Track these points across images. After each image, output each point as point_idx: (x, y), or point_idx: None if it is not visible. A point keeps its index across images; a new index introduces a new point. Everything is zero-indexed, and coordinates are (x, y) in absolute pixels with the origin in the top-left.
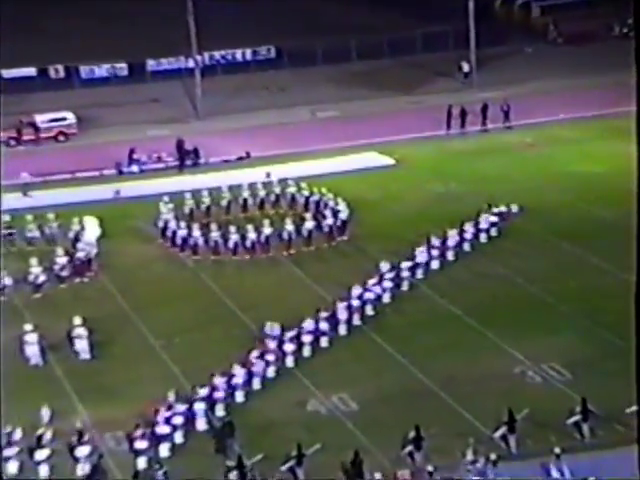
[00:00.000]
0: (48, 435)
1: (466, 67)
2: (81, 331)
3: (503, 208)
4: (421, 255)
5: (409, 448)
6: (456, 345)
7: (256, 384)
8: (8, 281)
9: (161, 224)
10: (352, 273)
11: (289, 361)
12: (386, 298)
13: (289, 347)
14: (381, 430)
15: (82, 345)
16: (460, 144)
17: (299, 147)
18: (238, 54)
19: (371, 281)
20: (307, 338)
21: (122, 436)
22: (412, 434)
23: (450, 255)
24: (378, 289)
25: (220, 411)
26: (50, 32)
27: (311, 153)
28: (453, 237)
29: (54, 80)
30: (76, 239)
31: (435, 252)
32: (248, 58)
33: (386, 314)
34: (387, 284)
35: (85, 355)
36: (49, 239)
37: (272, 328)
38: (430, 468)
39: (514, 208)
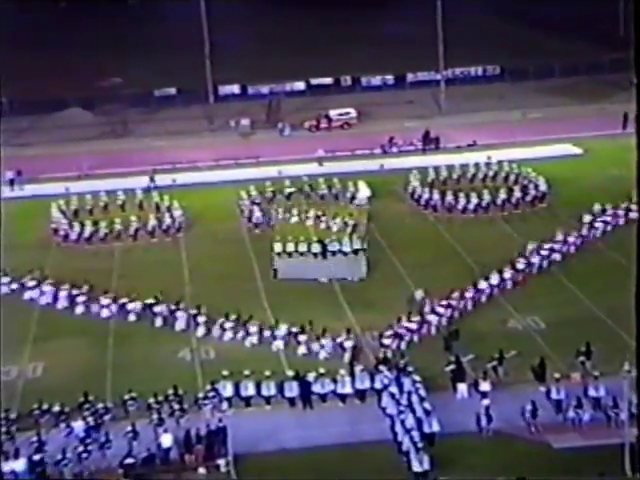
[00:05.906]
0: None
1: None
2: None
3: None
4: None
5: (581, 358)
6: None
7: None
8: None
9: (410, 189)
10: (547, 230)
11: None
12: (572, 249)
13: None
14: (561, 344)
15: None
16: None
17: (512, 138)
18: (472, 70)
19: (559, 236)
20: (507, 274)
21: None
22: (583, 348)
23: (621, 222)
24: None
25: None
26: (340, 49)
27: (521, 143)
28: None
29: (343, 87)
30: (352, 198)
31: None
32: (479, 74)
33: (572, 262)
34: (571, 239)
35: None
36: (336, 197)
37: None
38: (596, 373)
39: None
